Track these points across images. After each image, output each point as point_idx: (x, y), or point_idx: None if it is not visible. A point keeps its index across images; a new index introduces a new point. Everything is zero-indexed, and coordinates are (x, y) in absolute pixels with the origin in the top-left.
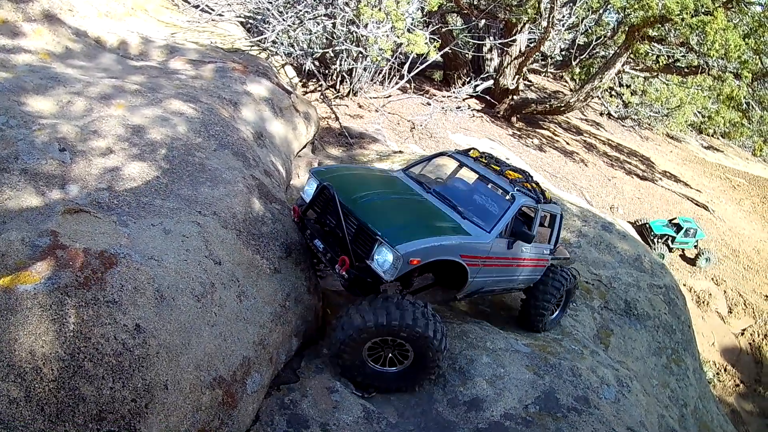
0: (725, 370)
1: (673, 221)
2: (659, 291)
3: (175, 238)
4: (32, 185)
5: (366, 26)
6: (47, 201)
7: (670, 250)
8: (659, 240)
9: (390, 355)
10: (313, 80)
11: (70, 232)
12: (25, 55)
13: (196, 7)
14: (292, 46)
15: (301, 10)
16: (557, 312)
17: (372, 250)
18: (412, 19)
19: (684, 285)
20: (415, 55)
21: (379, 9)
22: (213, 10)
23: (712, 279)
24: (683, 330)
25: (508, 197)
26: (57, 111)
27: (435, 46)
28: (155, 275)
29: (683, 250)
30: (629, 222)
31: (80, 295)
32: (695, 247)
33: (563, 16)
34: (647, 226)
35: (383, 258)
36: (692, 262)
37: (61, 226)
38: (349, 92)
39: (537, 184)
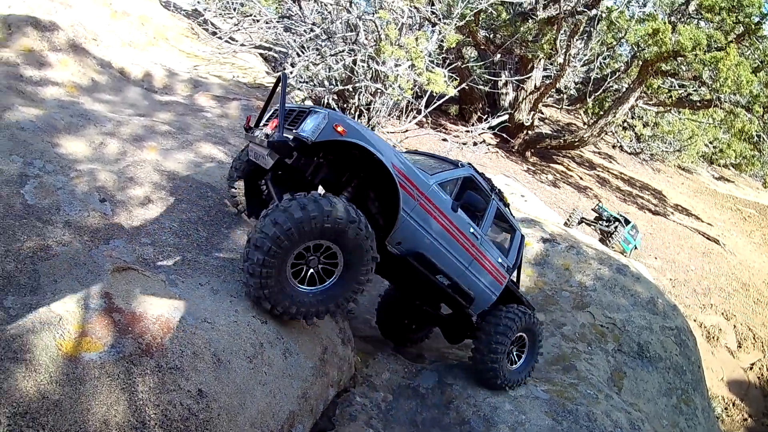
0: (734, 404)
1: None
2: (671, 333)
3: (224, 298)
4: (78, 239)
5: (384, 63)
6: (95, 258)
7: (608, 237)
8: (608, 224)
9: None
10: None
11: (123, 292)
12: (52, 87)
13: (214, 34)
14: (311, 79)
15: (321, 45)
16: (521, 361)
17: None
18: (430, 55)
19: (694, 321)
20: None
21: (399, 47)
22: (233, 39)
23: (722, 314)
24: (693, 370)
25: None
26: (91, 154)
27: (454, 84)
28: (210, 339)
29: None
30: (584, 220)
31: (145, 362)
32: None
33: (578, 51)
34: (600, 207)
35: (309, 123)
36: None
37: (113, 287)
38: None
39: (500, 191)
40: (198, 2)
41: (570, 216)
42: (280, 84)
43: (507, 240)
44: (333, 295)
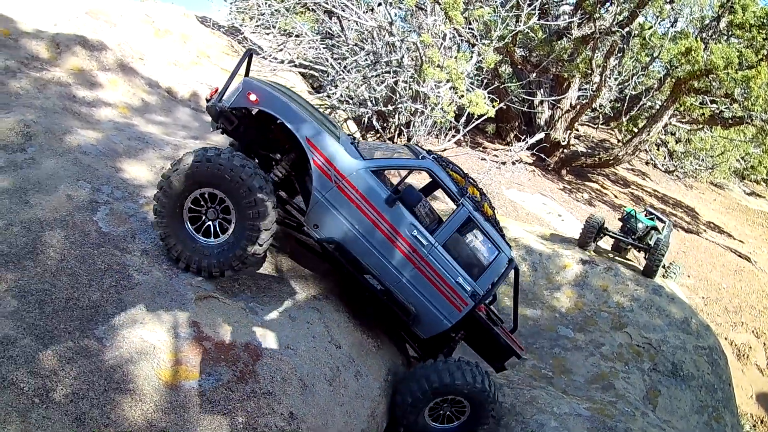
0: (762, 421)
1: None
2: (703, 352)
3: (301, 325)
4: (157, 268)
5: (424, 81)
6: (176, 286)
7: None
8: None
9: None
10: (372, 132)
11: (209, 321)
12: (105, 108)
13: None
14: (351, 98)
15: (364, 67)
16: (454, 423)
17: None
18: (469, 76)
19: (725, 339)
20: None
21: (440, 68)
22: (272, 57)
23: (753, 331)
24: (724, 388)
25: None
26: (154, 179)
27: (494, 105)
28: (295, 365)
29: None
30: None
31: (241, 389)
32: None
33: (613, 69)
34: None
35: (231, 92)
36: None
37: (198, 315)
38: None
39: (486, 199)
40: (235, 18)
41: (585, 231)
42: (245, 59)
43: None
44: (233, 244)
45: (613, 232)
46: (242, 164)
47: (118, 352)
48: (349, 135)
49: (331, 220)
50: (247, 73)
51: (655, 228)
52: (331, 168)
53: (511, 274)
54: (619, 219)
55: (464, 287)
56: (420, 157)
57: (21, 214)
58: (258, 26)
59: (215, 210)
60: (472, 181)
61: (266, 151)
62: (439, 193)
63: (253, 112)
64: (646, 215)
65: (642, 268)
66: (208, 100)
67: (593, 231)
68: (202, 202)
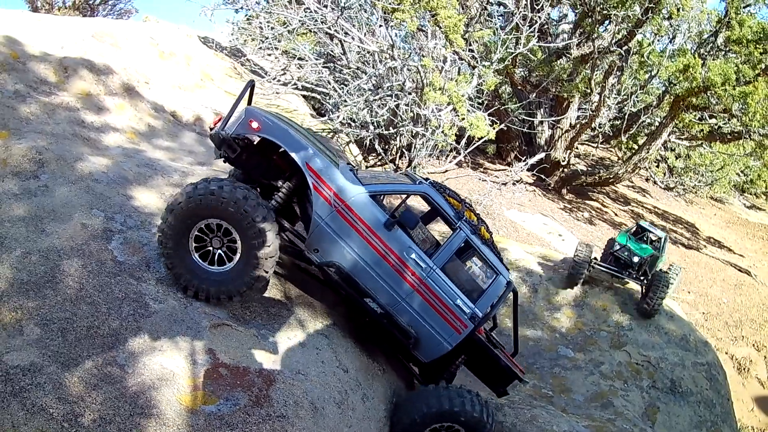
0: None
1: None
2: (702, 368)
3: (311, 350)
4: (172, 297)
5: (425, 104)
6: (191, 315)
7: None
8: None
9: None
10: (373, 155)
11: (224, 348)
12: (113, 134)
13: (254, 72)
14: (353, 121)
15: (364, 90)
16: None
17: None
18: (470, 99)
19: (726, 353)
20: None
21: (442, 92)
22: (276, 79)
23: (753, 345)
24: (722, 403)
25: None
26: (163, 206)
27: (494, 127)
28: (307, 389)
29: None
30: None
31: (257, 413)
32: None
33: (612, 87)
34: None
35: (234, 120)
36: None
37: (213, 343)
38: (408, 167)
39: (483, 223)
40: (236, 39)
41: (574, 269)
42: (248, 89)
43: (484, 284)
44: (240, 271)
45: (604, 266)
46: (245, 196)
47: (140, 378)
48: (348, 163)
49: (330, 245)
50: (249, 102)
51: (653, 256)
52: (331, 193)
53: (510, 297)
54: (609, 252)
55: (463, 310)
56: (417, 183)
57: (38, 242)
58: (260, 48)
59: (220, 239)
60: (468, 205)
61: (267, 179)
62: (436, 224)
63: (255, 142)
64: (637, 233)
65: (637, 306)
66: (211, 129)
67: (582, 267)
68: (207, 231)
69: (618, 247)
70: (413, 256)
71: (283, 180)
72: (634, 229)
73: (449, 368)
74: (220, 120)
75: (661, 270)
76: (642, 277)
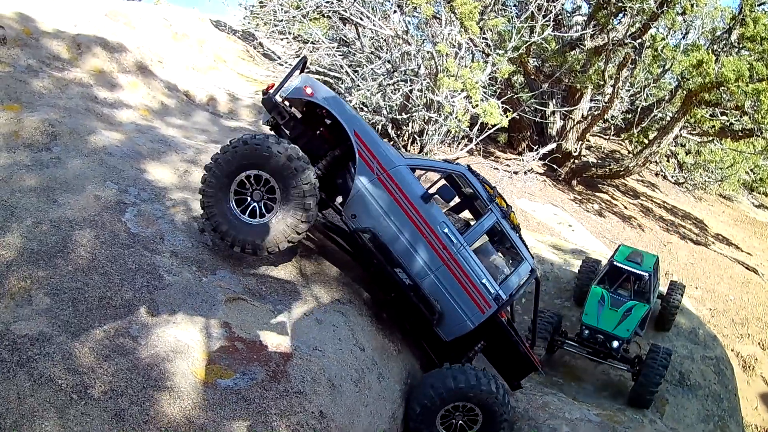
0: None
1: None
2: (710, 362)
3: (328, 328)
4: (187, 269)
5: (439, 89)
6: (206, 288)
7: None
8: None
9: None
10: (386, 140)
11: (239, 322)
12: (127, 111)
13: (266, 56)
14: (366, 106)
15: (378, 74)
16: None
17: None
18: (483, 87)
19: (732, 350)
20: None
21: (456, 78)
22: (288, 63)
23: (759, 343)
24: (729, 398)
25: None
26: (178, 182)
27: (507, 115)
28: (324, 366)
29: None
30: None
31: (274, 388)
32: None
33: (625, 80)
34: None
35: (289, 85)
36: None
37: (229, 317)
38: (419, 153)
39: (512, 210)
40: (249, 23)
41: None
42: (302, 63)
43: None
44: (278, 223)
45: (577, 349)
46: (287, 147)
47: (154, 350)
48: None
49: (369, 211)
50: (293, 70)
51: (643, 318)
52: (375, 160)
53: (532, 286)
54: (585, 335)
55: (489, 290)
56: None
57: (50, 212)
58: (273, 32)
59: (260, 191)
60: (499, 193)
61: (311, 149)
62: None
63: (300, 116)
64: (613, 279)
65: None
66: (264, 93)
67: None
68: (247, 185)
69: (587, 333)
70: (446, 230)
71: (325, 153)
72: (607, 268)
73: (467, 353)
74: (272, 86)
75: (653, 346)
76: (627, 366)
